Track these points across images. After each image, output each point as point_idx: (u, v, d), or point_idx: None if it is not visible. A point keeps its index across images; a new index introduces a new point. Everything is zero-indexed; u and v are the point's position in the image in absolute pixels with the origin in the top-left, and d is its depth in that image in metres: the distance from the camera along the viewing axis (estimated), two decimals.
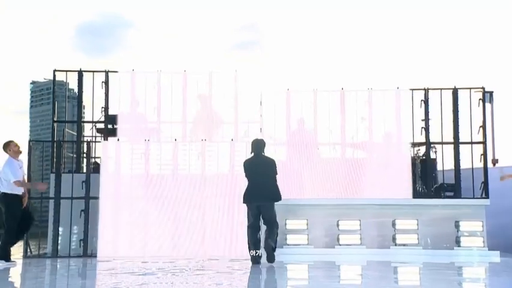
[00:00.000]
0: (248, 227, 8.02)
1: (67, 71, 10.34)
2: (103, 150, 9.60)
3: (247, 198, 8.01)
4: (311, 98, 10.21)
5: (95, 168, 10.18)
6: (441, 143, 10.08)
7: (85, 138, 10.58)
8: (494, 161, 10.81)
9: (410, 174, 9.82)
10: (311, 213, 9.64)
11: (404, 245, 9.43)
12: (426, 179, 10.10)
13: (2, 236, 8.42)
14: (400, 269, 8.04)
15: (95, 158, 10.39)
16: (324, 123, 10.21)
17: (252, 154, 8.17)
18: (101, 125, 10.43)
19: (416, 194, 9.99)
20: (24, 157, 8.87)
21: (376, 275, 7.18)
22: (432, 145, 10.11)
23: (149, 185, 9.35)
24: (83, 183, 9.50)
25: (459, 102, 10.08)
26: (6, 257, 8.15)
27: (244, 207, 8.20)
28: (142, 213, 9.32)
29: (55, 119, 10.44)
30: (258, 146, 8.13)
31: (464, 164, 10.04)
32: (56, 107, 10.65)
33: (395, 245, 9.46)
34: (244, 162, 8.24)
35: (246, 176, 8.16)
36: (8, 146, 8.42)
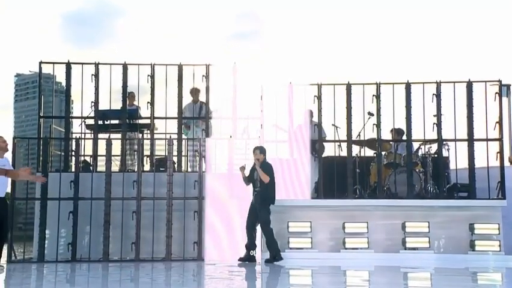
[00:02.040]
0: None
1: (54, 63, 10.31)
2: (208, 148, 9.68)
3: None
4: (315, 92, 10.19)
5: (84, 167, 10.19)
6: (455, 140, 10.00)
7: (74, 135, 10.52)
8: None
9: (309, 173, 9.94)
10: (315, 215, 9.66)
11: (414, 249, 9.43)
12: (438, 179, 10.04)
13: None
14: (410, 275, 8.03)
15: (84, 156, 10.36)
16: (329, 119, 10.20)
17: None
18: (91, 121, 10.38)
19: (428, 195, 9.96)
20: (8, 155, 8.83)
21: (384, 281, 7.18)
22: (444, 142, 10.03)
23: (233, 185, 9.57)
24: (72, 183, 9.46)
25: (474, 97, 9.99)
26: None
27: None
28: (232, 215, 9.52)
29: (41, 115, 10.41)
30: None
31: (479, 162, 9.97)
32: (43, 102, 10.63)
33: (405, 249, 9.47)
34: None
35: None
36: None
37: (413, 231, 9.49)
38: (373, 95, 10.05)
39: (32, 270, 8.49)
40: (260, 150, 9.07)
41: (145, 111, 10.56)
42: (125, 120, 10.41)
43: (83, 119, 10.40)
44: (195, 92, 10.80)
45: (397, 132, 10.37)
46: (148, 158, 10.22)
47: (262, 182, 8.92)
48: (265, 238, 8.93)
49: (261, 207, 8.87)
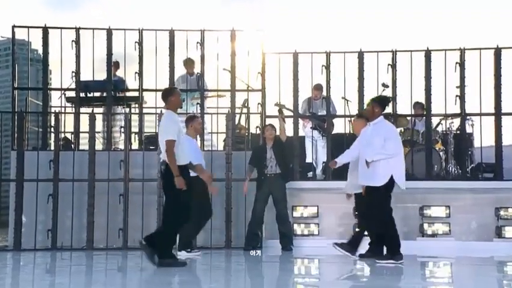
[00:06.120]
0: None
1: (29, 27, 10.23)
2: None
3: None
4: (323, 61, 10.08)
5: (65, 144, 10.15)
6: (480, 114, 9.94)
7: (53, 109, 10.49)
8: None
9: None
10: (323, 198, 9.70)
11: (433, 236, 9.49)
12: (461, 158, 10.02)
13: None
14: (428, 264, 7.99)
15: (65, 132, 10.32)
16: (338, 92, 10.16)
17: None
18: (72, 93, 10.33)
19: (448, 176, 9.92)
20: None
21: (399, 272, 7.07)
22: (468, 117, 10.01)
23: None
24: (51, 163, 9.38)
25: (502, 65, 9.91)
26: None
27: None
28: None
29: (15, 86, 10.34)
30: None
31: (507, 139, 9.98)
32: (17, 71, 10.56)
33: (423, 236, 9.56)
34: None
35: None
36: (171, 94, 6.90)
37: (432, 217, 9.54)
38: (388, 64, 10.01)
39: (8, 259, 8.42)
40: (272, 127, 9.11)
41: (132, 83, 10.46)
42: (111, 92, 10.26)
43: (62, 91, 10.33)
44: (189, 62, 10.52)
45: (421, 107, 10.23)
46: (137, 135, 10.17)
47: (278, 160, 8.84)
48: (284, 223, 8.88)
49: (283, 189, 8.88)
